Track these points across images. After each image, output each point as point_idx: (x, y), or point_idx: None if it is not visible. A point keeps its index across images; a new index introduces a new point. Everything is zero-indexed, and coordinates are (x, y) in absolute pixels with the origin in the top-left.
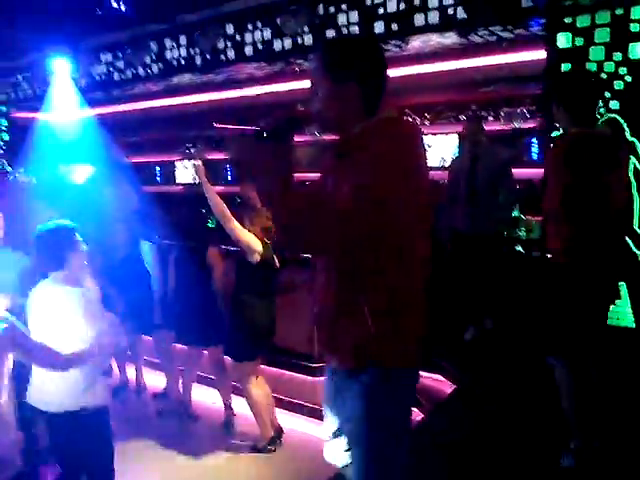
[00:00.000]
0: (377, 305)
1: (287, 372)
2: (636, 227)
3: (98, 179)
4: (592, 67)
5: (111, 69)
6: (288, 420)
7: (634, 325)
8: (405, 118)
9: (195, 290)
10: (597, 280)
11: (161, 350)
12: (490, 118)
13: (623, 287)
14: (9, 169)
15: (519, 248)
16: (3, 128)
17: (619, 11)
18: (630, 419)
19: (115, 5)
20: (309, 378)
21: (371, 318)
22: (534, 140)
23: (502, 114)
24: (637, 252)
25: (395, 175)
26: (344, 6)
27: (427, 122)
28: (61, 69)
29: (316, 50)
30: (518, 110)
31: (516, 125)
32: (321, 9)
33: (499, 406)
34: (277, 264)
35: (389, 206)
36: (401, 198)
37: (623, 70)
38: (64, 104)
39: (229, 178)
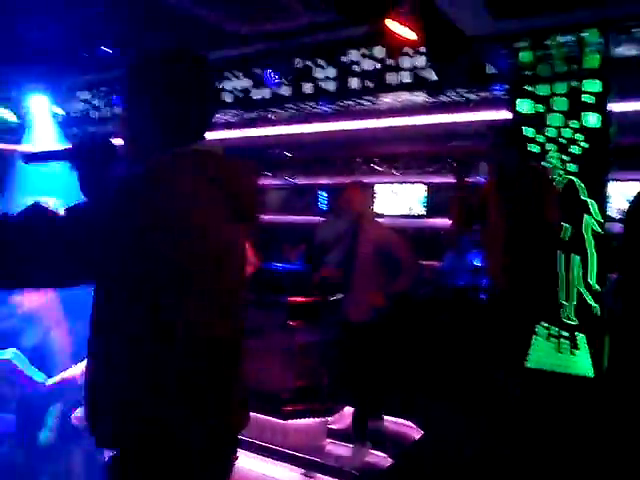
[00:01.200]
0: None
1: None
2: (592, 281)
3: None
4: (552, 132)
5: (88, 107)
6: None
7: (592, 375)
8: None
9: None
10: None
11: None
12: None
13: (582, 338)
14: None
15: (483, 296)
16: None
17: (574, 83)
18: (584, 462)
19: (104, 49)
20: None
21: None
22: None
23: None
24: (594, 305)
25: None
26: (322, 61)
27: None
28: (40, 104)
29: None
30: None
31: (479, 178)
32: (300, 63)
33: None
34: None
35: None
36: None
37: (580, 136)
38: (43, 138)
39: None
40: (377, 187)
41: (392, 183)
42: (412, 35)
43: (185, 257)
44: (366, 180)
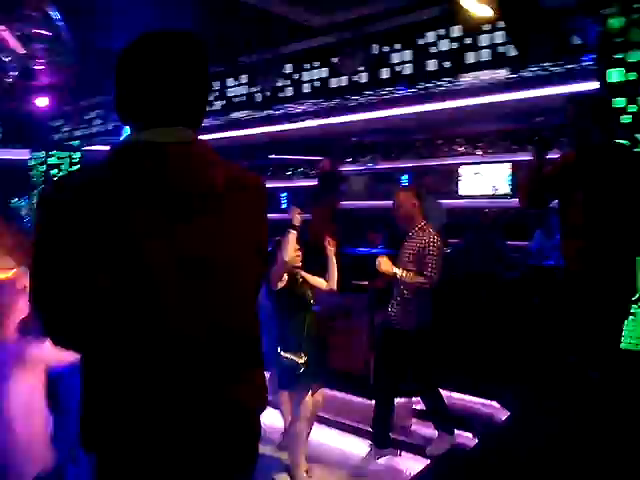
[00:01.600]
0: None
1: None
2: None
3: None
4: None
5: None
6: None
7: None
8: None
9: None
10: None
11: None
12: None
13: None
14: None
15: None
16: (76, 160)
17: None
18: None
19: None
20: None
21: None
22: None
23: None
24: None
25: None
26: (398, 46)
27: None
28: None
29: None
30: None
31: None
32: (376, 49)
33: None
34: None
35: None
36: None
37: None
38: None
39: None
40: (461, 169)
41: (477, 164)
42: (487, 11)
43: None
44: (449, 162)
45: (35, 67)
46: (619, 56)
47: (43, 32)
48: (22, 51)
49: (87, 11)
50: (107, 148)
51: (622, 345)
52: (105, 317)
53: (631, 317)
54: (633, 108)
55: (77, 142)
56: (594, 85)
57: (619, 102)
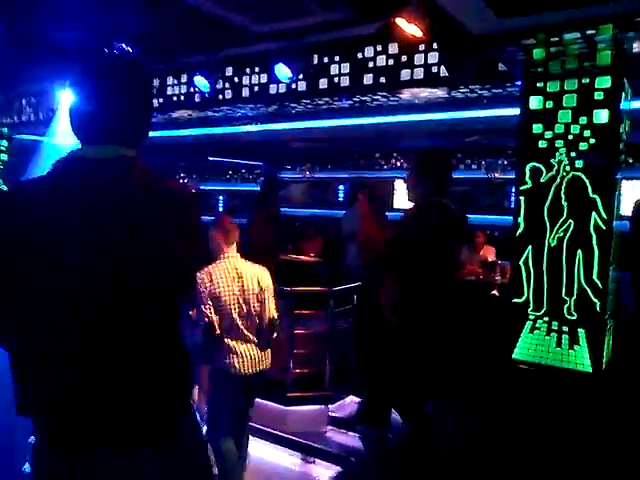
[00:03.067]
0: None
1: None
2: (595, 277)
3: None
4: (560, 128)
5: None
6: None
7: (590, 370)
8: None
9: None
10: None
11: None
12: (473, 166)
13: (582, 333)
14: (5, 188)
15: (494, 292)
16: (3, 149)
17: (585, 80)
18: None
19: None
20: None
21: None
22: (514, 189)
23: (484, 163)
24: (595, 301)
25: None
26: (337, 57)
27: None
28: (67, 99)
29: None
30: (499, 161)
31: (496, 175)
32: (315, 59)
33: None
34: None
35: None
36: None
37: (587, 132)
38: (67, 130)
39: (220, 209)
40: (396, 182)
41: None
42: (419, 33)
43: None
44: (385, 175)
45: None
46: (539, 85)
47: None
48: None
49: None
50: (37, 138)
51: (518, 357)
52: (28, 315)
53: (534, 330)
54: (549, 134)
55: (5, 130)
56: (517, 111)
57: (537, 128)
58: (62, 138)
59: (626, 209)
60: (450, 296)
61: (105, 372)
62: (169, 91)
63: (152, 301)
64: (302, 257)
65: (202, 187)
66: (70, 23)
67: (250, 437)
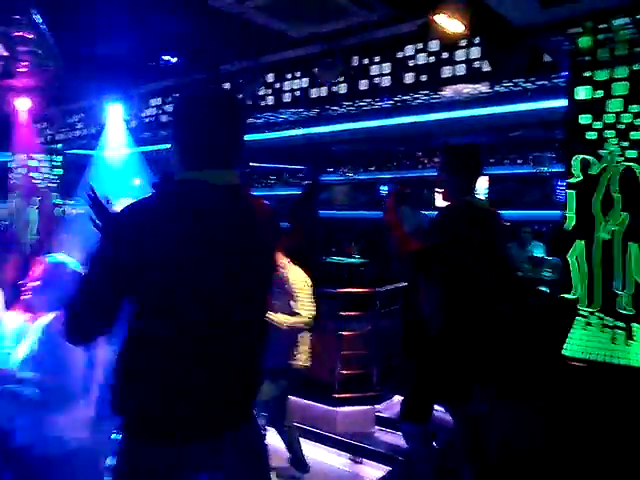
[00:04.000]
0: None
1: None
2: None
3: None
4: (610, 118)
5: (159, 112)
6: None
7: None
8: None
9: None
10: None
11: None
12: (519, 161)
13: (637, 328)
14: (59, 202)
15: (544, 288)
16: (58, 164)
17: (636, 66)
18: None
19: (166, 58)
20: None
21: None
22: (561, 182)
23: (530, 157)
24: None
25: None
26: (377, 58)
27: None
28: (115, 112)
29: None
30: (546, 155)
31: (544, 169)
32: (355, 60)
33: None
34: None
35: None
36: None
37: (639, 121)
38: (116, 143)
39: None
40: None
41: None
42: (461, 28)
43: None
44: (428, 173)
45: (17, 69)
46: (587, 74)
47: (26, 35)
48: (4, 53)
49: (70, 14)
50: (88, 152)
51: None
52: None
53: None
54: (598, 125)
55: (59, 145)
56: (563, 102)
57: (585, 119)
58: (111, 151)
59: None
60: (497, 296)
61: (213, 369)
62: None
63: (258, 305)
64: (347, 258)
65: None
66: (115, 37)
67: (300, 438)
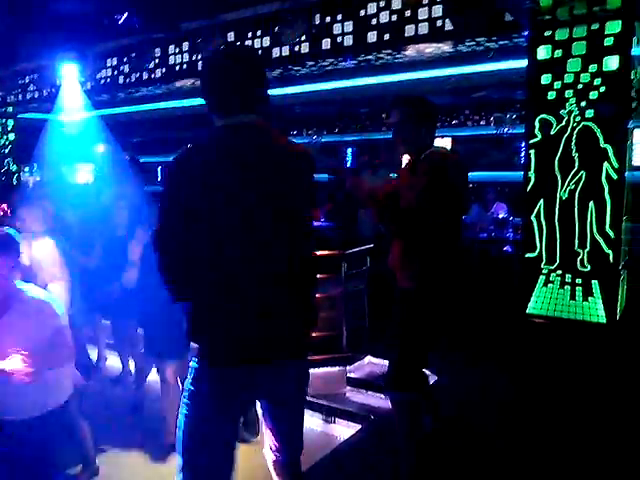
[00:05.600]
0: None
1: None
2: (607, 228)
3: (101, 178)
4: (569, 78)
5: (116, 73)
6: None
7: (605, 321)
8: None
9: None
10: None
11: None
12: (482, 122)
13: (595, 284)
14: (14, 168)
15: (507, 248)
16: (9, 128)
17: (595, 26)
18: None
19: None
20: None
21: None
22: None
23: (492, 119)
24: (608, 252)
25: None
26: (339, 16)
27: None
28: (69, 73)
29: None
30: (507, 115)
31: (506, 129)
32: (317, 19)
33: None
34: None
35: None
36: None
37: (598, 81)
38: (71, 106)
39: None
40: None
41: None
42: None
43: (212, 215)
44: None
45: None
46: (547, 33)
47: None
48: None
49: None
50: (42, 116)
51: (532, 311)
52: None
53: (548, 283)
54: (558, 85)
55: (10, 108)
56: (525, 62)
57: (546, 78)
58: (67, 115)
59: (638, 159)
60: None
61: (275, 296)
62: (171, 60)
63: (300, 231)
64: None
65: None
66: None
67: None
